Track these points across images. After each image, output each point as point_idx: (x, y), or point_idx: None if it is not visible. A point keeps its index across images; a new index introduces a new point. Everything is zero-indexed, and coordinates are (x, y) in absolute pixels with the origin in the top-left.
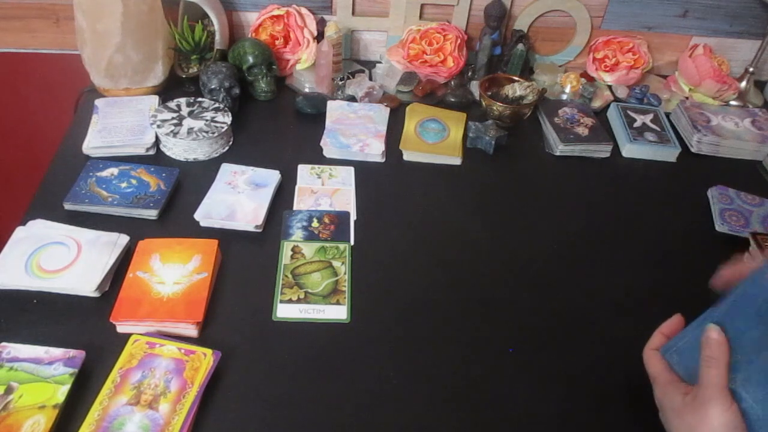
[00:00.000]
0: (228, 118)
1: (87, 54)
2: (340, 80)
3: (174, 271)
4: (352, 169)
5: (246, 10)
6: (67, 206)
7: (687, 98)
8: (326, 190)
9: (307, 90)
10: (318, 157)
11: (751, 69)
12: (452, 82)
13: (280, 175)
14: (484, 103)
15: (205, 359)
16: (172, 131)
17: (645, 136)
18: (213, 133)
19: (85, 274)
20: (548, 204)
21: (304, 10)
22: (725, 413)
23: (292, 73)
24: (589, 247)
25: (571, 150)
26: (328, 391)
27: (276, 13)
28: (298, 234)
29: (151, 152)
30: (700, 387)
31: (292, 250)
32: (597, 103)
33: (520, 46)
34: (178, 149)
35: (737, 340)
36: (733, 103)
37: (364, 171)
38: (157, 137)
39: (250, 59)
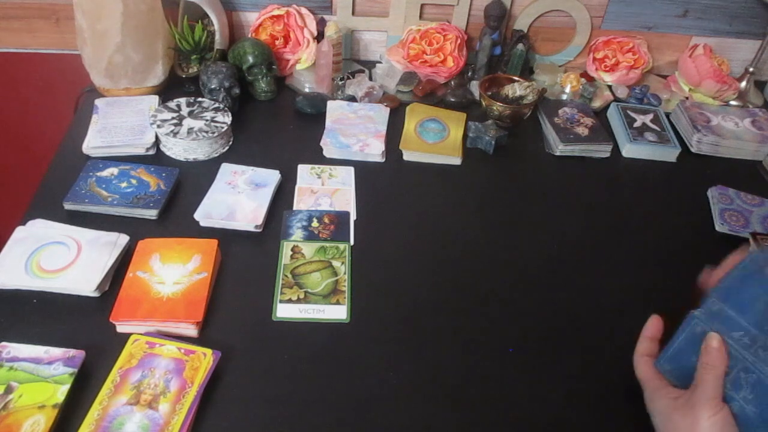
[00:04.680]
0: (228, 118)
1: (87, 54)
2: (340, 80)
3: (174, 271)
4: (352, 169)
5: (246, 10)
6: (67, 206)
7: (687, 98)
8: (326, 190)
9: (307, 90)
10: (318, 157)
11: (751, 69)
12: (452, 82)
13: (280, 175)
14: (484, 103)
15: (205, 359)
16: (172, 131)
17: (645, 136)
18: (213, 133)
19: (85, 274)
20: (548, 204)
21: (304, 10)
22: (715, 416)
23: (292, 73)
24: (589, 247)
25: (571, 150)
26: (328, 391)
27: (276, 13)
28: (298, 234)
29: (151, 152)
30: (694, 390)
31: (292, 250)
32: (597, 103)
33: (520, 46)
34: (178, 149)
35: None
36: (733, 103)
37: (364, 171)
38: (157, 137)
39: (250, 59)
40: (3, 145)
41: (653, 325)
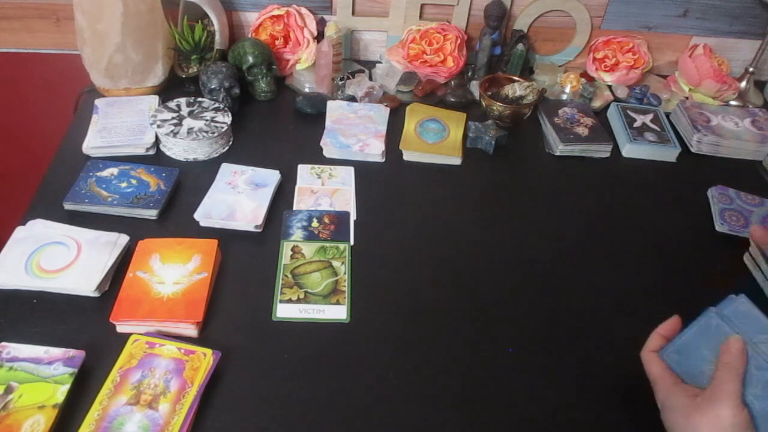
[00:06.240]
0: (228, 118)
1: (87, 54)
2: (340, 80)
3: (174, 271)
4: (352, 169)
5: (246, 10)
6: (67, 206)
7: (687, 98)
8: (326, 190)
9: (307, 90)
10: (318, 157)
11: (751, 69)
12: (452, 82)
13: (280, 175)
14: (484, 103)
15: (205, 359)
16: (172, 131)
17: (645, 136)
18: (213, 133)
19: (85, 274)
20: (548, 204)
21: (304, 10)
22: (737, 416)
23: (292, 73)
24: (589, 247)
25: (571, 150)
26: (328, 391)
27: (276, 13)
28: (298, 234)
29: (151, 152)
30: (713, 389)
31: (292, 250)
32: (597, 103)
33: (520, 46)
34: (178, 149)
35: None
36: (733, 103)
37: (364, 171)
38: (157, 137)
39: (250, 59)
40: (3, 145)
41: (671, 325)
